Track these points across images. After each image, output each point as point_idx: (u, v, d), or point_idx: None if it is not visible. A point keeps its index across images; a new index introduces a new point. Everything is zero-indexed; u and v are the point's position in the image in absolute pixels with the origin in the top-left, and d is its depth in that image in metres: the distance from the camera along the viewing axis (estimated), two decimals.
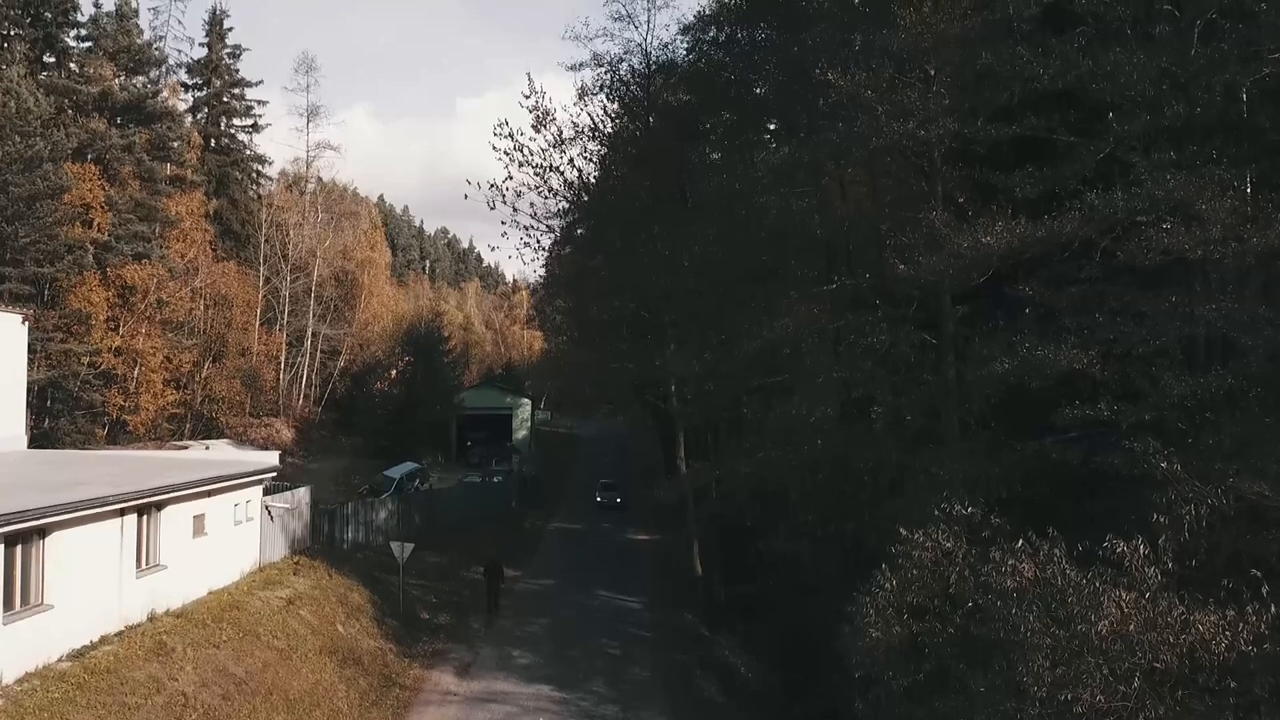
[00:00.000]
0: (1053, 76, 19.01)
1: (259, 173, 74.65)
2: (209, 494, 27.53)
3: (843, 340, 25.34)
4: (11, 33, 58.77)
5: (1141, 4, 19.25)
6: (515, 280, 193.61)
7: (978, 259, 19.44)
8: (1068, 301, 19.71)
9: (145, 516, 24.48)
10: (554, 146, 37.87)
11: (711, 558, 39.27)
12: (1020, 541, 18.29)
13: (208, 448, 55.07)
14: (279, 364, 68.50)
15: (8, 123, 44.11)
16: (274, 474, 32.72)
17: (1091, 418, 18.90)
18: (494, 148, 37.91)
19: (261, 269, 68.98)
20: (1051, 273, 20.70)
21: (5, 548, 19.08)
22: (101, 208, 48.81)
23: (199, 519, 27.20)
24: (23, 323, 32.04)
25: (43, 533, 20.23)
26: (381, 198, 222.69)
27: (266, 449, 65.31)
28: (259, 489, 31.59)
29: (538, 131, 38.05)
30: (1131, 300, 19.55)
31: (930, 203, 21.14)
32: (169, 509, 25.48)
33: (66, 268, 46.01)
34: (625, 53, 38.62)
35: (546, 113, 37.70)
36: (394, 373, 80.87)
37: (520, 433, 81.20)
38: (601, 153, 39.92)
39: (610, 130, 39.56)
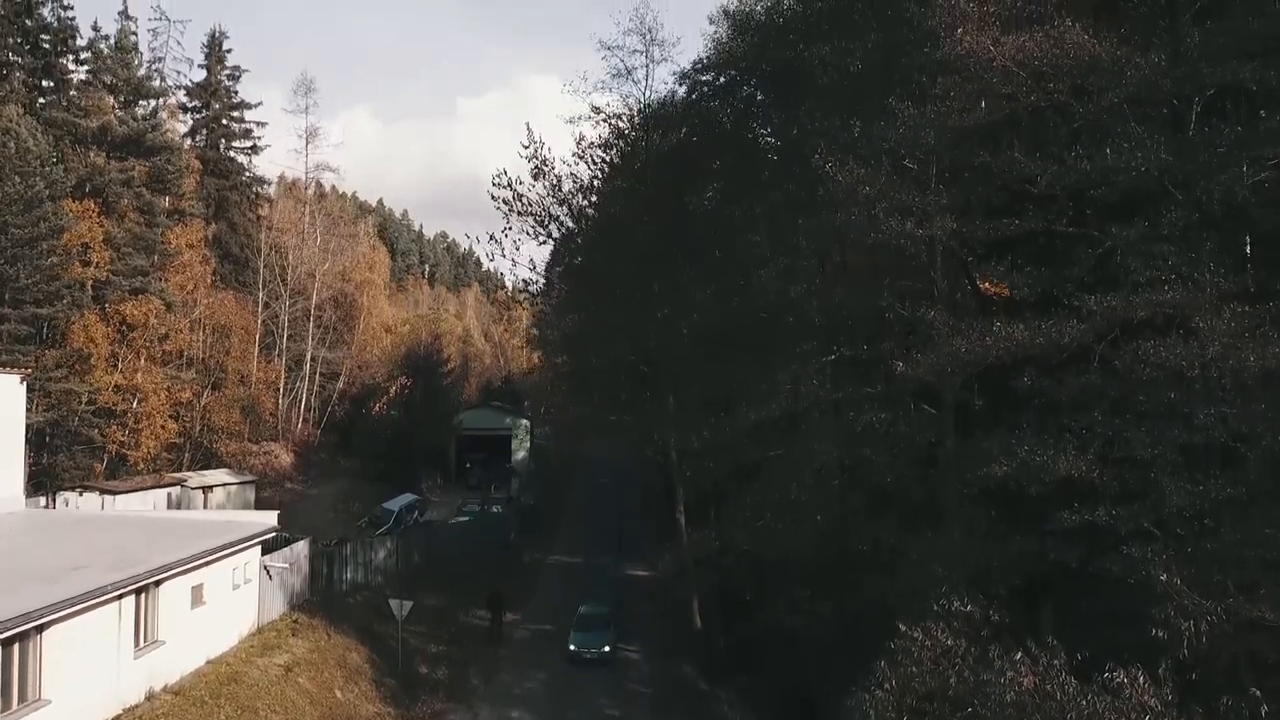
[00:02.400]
0: (1049, 181, 18.96)
1: (258, 195, 74.50)
2: (208, 564, 27.51)
3: (842, 414, 25.31)
4: (10, 58, 58.81)
5: (1143, 91, 19.11)
6: (515, 286, 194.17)
7: (975, 360, 19.43)
8: (1066, 394, 19.67)
9: (144, 595, 24.46)
10: (552, 194, 37.90)
11: (711, 603, 39.26)
12: (1020, 653, 18.29)
13: (209, 494, 55.13)
14: (278, 391, 68.43)
15: (7, 163, 44.04)
16: (272, 533, 32.64)
17: (1090, 522, 18.88)
18: (492, 196, 37.95)
19: (261, 294, 68.94)
20: (1051, 364, 20.66)
21: (3, 649, 19.07)
22: (100, 245, 48.73)
23: (197, 589, 27.17)
24: (21, 382, 31.94)
25: (41, 628, 20.21)
26: (381, 201, 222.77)
27: (265, 475, 65.61)
28: (258, 549, 31.56)
29: (536, 180, 38.08)
30: (1129, 394, 19.53)
31: (928, 300, 21.09)
32: (167, 584, 25.45)
33: (66, 308, 45.93)
34: (624, 105, 38.46)
35: (545, 161, 37.72)
36: (393, 390, 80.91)
37: (519, 453, 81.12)
38: (596, 201, 39.83)
39: (606, 175, 39.49)
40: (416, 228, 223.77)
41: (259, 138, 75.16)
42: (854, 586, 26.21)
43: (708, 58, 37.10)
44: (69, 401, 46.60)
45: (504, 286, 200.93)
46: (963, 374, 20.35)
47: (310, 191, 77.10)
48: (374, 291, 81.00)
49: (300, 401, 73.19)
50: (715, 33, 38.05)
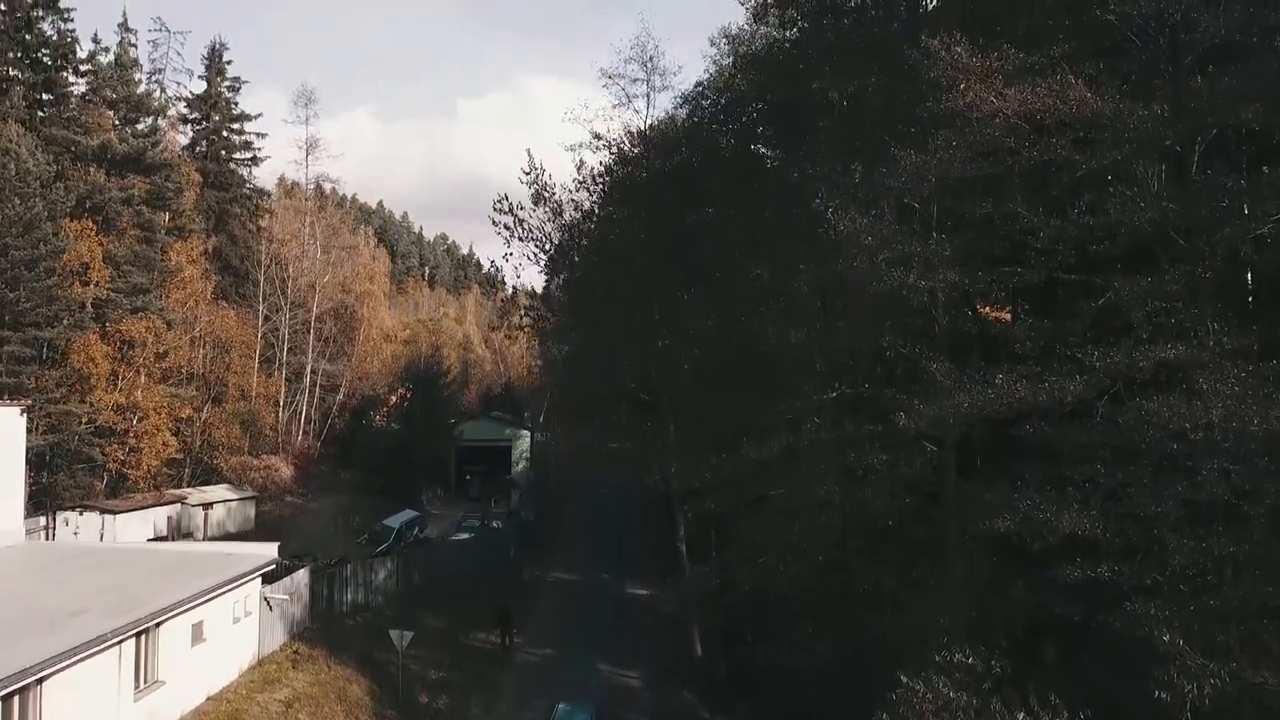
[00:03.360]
0: (1051, 237, 18.91)
1: (259, 206, 74.42)
2: (208, 601, 27.47)
3: (843, 452, 25.23)
4: (10, 73, 58.72)
5: (1145, 143, 19.04)
6: (516, 289, 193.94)
7: (976, 414, 19.38)
8: (1068, 443, 19.60)
9: (144, 636, 24.42)
10: (553, 219, 37.91)
11: (712, 630, 39.19)
12: (1022, 714, 18.28)
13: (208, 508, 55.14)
14: (278, 405, 68.39)
15: (7, 184, 44.02)
16: (272, 565, 32.59)
17: (1093, 579, 18.83)
18: (494, 221, 37.93)
19: (261, 307, 68.90)
20: (1054, 417, 20.58)
21: (2, 705, 19.04)
22: (100, 264, 48.68)
23: (198, 626, 27.14)
24: (21, 414, 31.92)
25: (41, 679, 20.18)
26: (381, 204, 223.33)
27: (265, 489, 65.55)
28: (258, 581, 31.53)
29: (537, 205, 38.06)
30: (1133, 448, 19.45)
31: (929, 337, 21.06)
32: (167, 624, 25.42)
33: (66, 329, 45.90)
34: (625, 132, 38.35)
35: (545, 186, 37.69)
36: (394, 400, 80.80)
37: (519, 465, 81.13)
38: (596, 226, 39.76)
39: (606, 195, 39.40)
40: (416, 230, 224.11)
41: (259, 149, 75.19)
42: (856, 624, 26.19)
43: (709, 79, 37.05)
44: (69, 423, 46.55)
45: (503, 285, 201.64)
46: (964, 425, 20.29)
47: (310, 203, 76.91)
48: (374, 302, 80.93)
49: (300, 414, 73.15)
50: (716, 55, 38.03)
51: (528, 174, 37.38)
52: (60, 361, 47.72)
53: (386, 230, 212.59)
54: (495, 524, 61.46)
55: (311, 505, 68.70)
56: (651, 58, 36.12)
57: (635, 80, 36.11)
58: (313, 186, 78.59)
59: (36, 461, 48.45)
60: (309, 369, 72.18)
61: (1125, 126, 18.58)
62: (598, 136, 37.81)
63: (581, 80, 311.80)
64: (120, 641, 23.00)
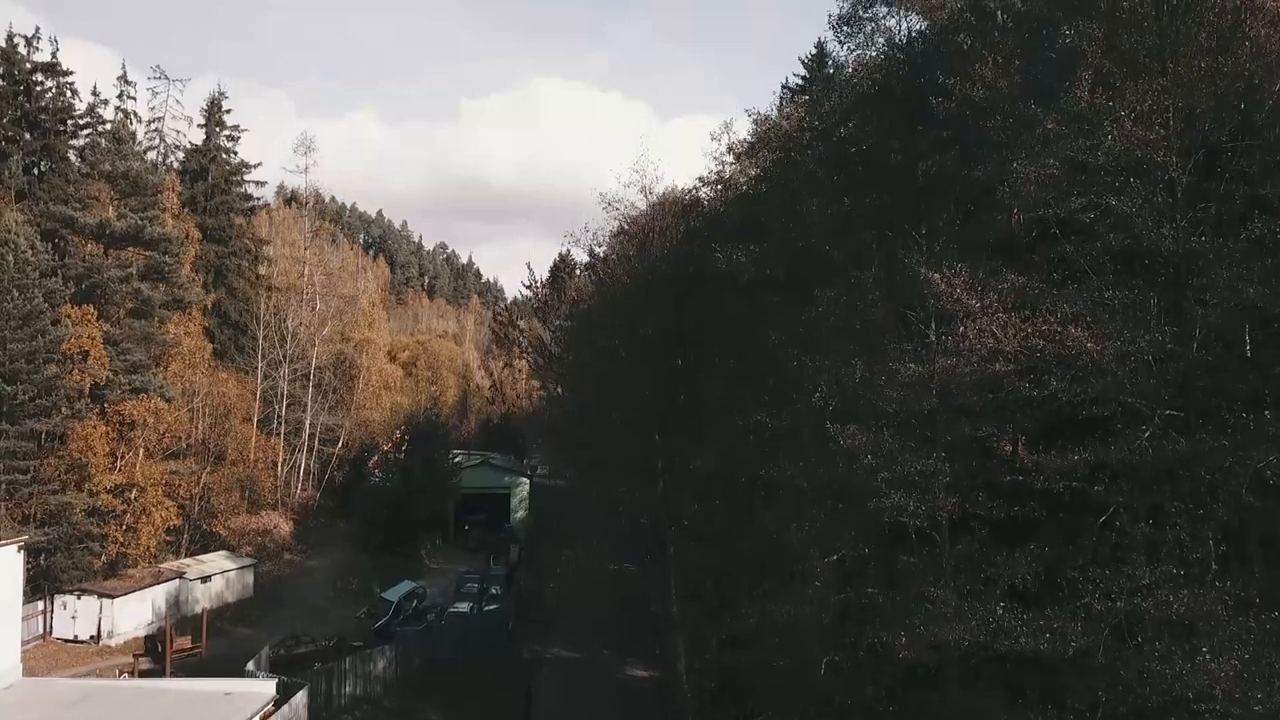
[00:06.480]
0: (1049, 480, 18.94)
1: (257, 258, 74.34)
2: None
3: (844, 633, 25.21)
4: (9, 132, 58.64)
5: (1145, 389, 19.07)
6: (517, 298, 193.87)
7: (976, 651, 19.42)
8: (1065, 688, 19.63)
9: None
10: (552, 335, 37.94)
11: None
12: None
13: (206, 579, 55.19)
14: (275, 464, 68.43)
15: (6, 276, 43.95)
16: (272, 702, 32.61)
17: None
18: (493, 330, 37.80)
19: (261, 364, 68.89)
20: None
21: None
22: (100, 350, 48.60)
23: None
24: (18, 550, 31.92)
25: None
26: (380, 213, 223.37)
27: (264, 547, 65.51)
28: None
29: (538, 316, 38.11)
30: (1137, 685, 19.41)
31: (931, 574, 21.07)
32: None
33: (64, 420, 45.89)
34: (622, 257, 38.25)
35: (546, 301, 37.77)
36: (389, 446, 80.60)
37: (519, 512, 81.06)
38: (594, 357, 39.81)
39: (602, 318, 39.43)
40: (416, 239, 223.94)
41: (259, 199, 75.19)
42: None
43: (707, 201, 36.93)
44: (67, 513, 46.55)
45: (504, 297, 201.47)
46: (963, 657, 20.34)
47: (308, 251, 76.83)
48: (373, 350, 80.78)
49: (299, 467, 73.17)
50: (721, 170, 37.91)
51: (528, 287, 37.45)
52: (58, 447, 47.66)
53: (386, 240, 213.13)
54: (494, 589, 61.35)
55: (310, 563, 68.76)
56: (649, 187, 36.05)
57: (634, 206, 35.95)
58: (312, 234, 78.41)
59: (33, 548, 48.44)
60: (308, 422, 72.14)
61: (1124, 364, 18.57)
62: (595, 254, 37.88)
63: (586, 81, 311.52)
64: None
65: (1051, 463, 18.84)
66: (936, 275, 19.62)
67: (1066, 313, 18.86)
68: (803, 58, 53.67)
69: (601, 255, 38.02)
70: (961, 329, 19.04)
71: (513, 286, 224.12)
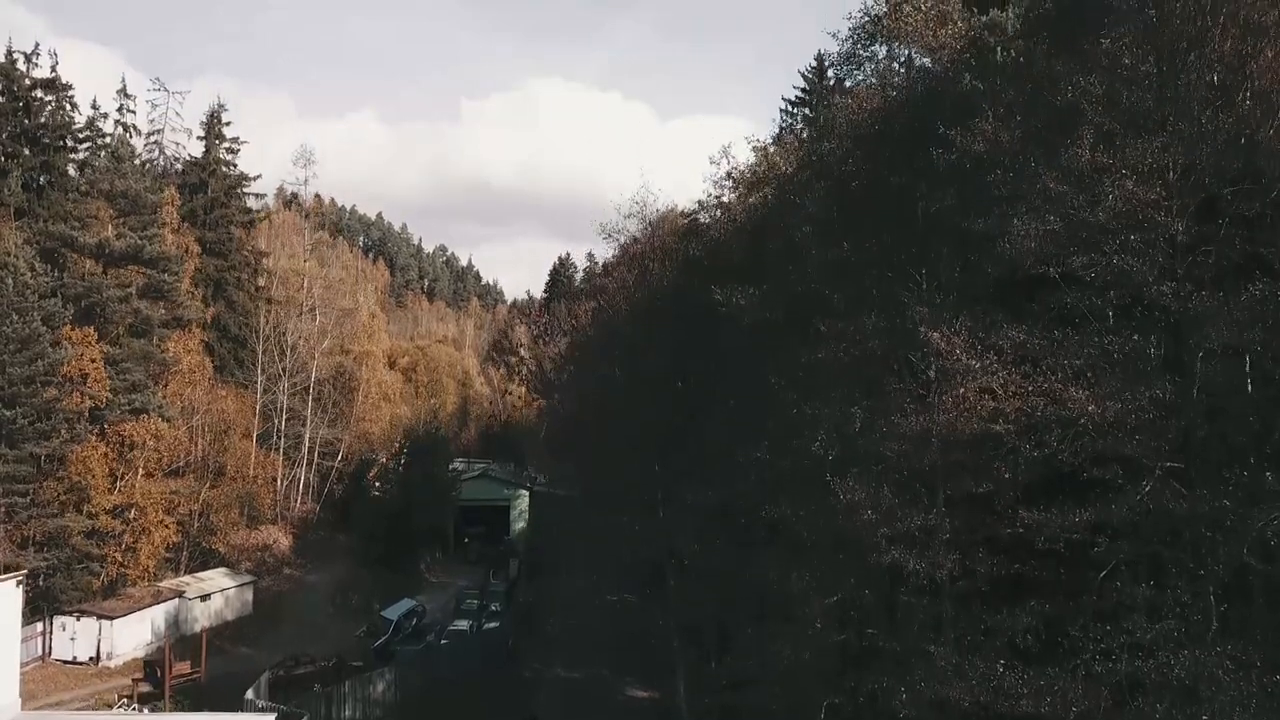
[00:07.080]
0: (1049, 538, 18.92)
1: (257, 270, 74.26)
2: None
3: (844, 677, 25.16)
4: (9, 148, 58.60)
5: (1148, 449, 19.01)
6: (517, 300, 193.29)
7: (979, 712, 19.39)
8: None
9: None
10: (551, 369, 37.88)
11: None
12: None
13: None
14: (275, 483, 68.40)
15: (5, 299, 43.87)
16: None
17: None
18: (492, 362, 37.73)
19: (260, 378, 68.86)
20: None
21: None
22: (100, 372, 48.51)
23: None
24: (17, 585, 31.88)
25: None
26: (380, 215, 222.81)
27: (263, 562, 65.41)
28: None
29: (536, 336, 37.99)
30: None
31: (932, 631, 21.05)
32: None
33: (63, 444, 45.83)
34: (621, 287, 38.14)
35: (545, 324, 37.63)
36: (387, 458, 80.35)
37: (518, 524, 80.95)
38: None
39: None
40: (416, 241, 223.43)
41: (259, 211, 75.08)
42: None
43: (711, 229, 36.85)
44: (65, 536, 46.48)
45: (504, 300, 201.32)
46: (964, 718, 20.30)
47: (309, 264, 76.81)
48: (373, 362, 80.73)
49: (299, 482, 73.13)
50: (721, 194, 37.83)
51: (527, 314, 37.30)
52: (57, 470, 47.55)
53: (386, 242, 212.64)
54: (494, 606, 61.32)
55: (310, 578, 68.64)
56: (649, 221, 35.93)
57: (634, 238, 35.84)
58: (311, 246, 78.41)
59: (32, 569, 48.32)
60: (307, 436, 72.12)
61: (1124, 430, 18.53)
62: (593, 285, 37.79)
63: (585, 82, 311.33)
64: None
65: (1053, 521, 18.79)
66: (936, 334, 19.58)
67: (1067, 371, 18.80)
68: (803, 70, 53.51)
69: (599, 285, 37.92)
70: (962, 390, 19.01)
71: (512, 288, 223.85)
